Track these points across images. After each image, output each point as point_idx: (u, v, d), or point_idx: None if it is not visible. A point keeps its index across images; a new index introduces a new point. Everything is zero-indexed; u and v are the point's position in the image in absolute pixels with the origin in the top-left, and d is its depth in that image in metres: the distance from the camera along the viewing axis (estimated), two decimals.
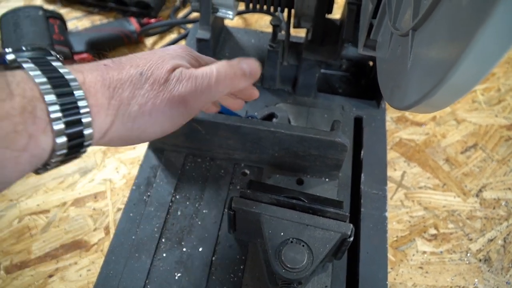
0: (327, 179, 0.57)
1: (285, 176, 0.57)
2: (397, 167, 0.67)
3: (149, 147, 0.59)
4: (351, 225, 0.43)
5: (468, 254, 0.59)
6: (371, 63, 0.71)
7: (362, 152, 0.60)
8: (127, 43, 0.79)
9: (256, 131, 0.51)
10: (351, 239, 0.43)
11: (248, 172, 0.57)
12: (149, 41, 0.83)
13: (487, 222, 0.62)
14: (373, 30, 0.49)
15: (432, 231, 0.61)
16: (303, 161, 0.54)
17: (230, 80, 0.36)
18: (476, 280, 0.57)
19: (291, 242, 0.42)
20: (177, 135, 0.55)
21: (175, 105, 0.33)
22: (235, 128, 0.51)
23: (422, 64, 0.31)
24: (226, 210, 0.54)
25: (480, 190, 0.65)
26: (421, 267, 0.58)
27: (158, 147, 0.58)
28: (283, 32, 0.66)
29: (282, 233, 0.42)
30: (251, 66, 0.38)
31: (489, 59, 0.24)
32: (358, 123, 0.64)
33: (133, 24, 0.78)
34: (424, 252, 0.59)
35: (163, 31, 0.82)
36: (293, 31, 0.64)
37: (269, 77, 0.64)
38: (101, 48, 0.78)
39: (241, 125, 0.50)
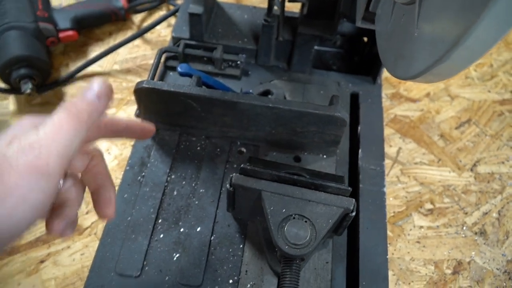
0: (324, 156, 0.56)
1: (282, 154, 0.56)
2: (393, 143, 0.67)
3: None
4: (353, 200, 0.42)
5: (464, 228, 0.59)
6: (365, 39, 0.70)
7: (359, 128, 0.59)
8: (114, 20, 0.77)
9: (253, 107, 0.49)
10: (354, 213, 0.42)
11: (244, 150, 0.56)
12: (137, 18, 0.80)
13: (482, 196, 0.62)
14: (372, 3, 0.48)
15: (428, 206, 0.61)
16: (301, 137, 0.53)
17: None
18: (472, 253, 0.57)
19: (294, 218, 0.41)
20: (170, 113, 0.54)
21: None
22: (232, 104, 0.50)
23: (432, 30, 0.30)
24: (223, 189, 0.53)
25: (475, 165, 0.65)
26: (418, 242, 0.58)
27: None
28: (276, 8, 0.64)
29: (284, 210, 0.42)
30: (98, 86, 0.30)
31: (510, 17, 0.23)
32: (354, 99, 0.64)
33: (120, 1, 0.75)
34: (421, 227, 0.59)
35: (152, 8, 0.80)
36: (287, 6, 0.62)
37: (263, 53, 0.63)
38: (87, 25, 0.75)
39: (238, 101, 0.49)
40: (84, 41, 0.75)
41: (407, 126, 0.69)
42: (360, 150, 0.57)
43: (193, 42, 0.63)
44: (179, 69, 0.53)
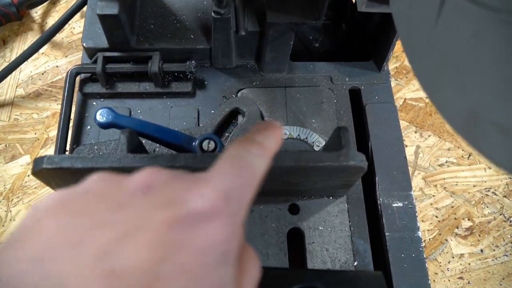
0: (331, 197, 0.40)
1: (273, 205, 0.40)
2: (408, 141, 0.51)
3: None
4: None
5: None
6: (353, 0, 0.52)
7: (369, 144, 0.43)
8: (5, 22, 0.54)
9: None
10: None
11: None
12: (36, 12, 0.57)
13: None
14: None
15: (466, 223, 0.47)
16: (298, 186, 0.37)
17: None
18: None
19: None
20: None
21: None
22: (190, 170, 0.32)
23: None
24: None
25: None
26: (461, 277, 0.45)
27: None
28: None
29: None
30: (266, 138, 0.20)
31: None
32: (355, 96, 0.46)
33: None
34: (461, 256, 0.46)
35: None
36: None
37: (221, 53, 0.44)
38: None
39: (197, 167, 0.31)
40: None
41: (422, 114, 0.53)
42: (376, 179, 0.41)
43: (115, 54, 0.43)
44: (98, 118, 0.34)
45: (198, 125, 0.43)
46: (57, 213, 0.16)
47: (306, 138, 0.42)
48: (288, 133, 0.42)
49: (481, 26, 0.20)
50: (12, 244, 0.15)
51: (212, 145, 0.35)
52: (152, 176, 0.17)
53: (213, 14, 0.39)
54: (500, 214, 0.48)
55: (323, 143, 0.42)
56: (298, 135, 0.42)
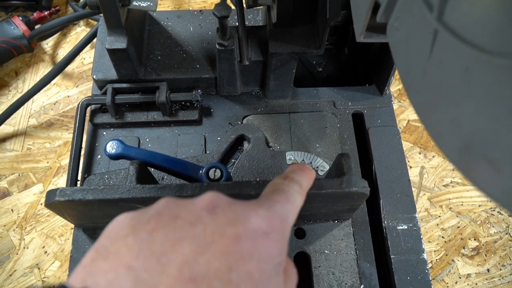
0: (336, 221, 0.41)
1: None
2: (412, 163, 0.52)
3: (78, 225, 0.40)
4: None
5: None
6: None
7: (373, 167, 0.44)
8: (17, 54, 0.57)
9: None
10: None
11: None
12: (47, 45, 0.60)
13: None
14: (381, 11, 0.31)
15: (472, 243, 0.48)
16: (303, 210, 0.38)
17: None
18: None
19: None
20: (109, 215, 0.37)
21: None
22: None
23: None
24: None
25: None
26: None
27: (89, 227, 0.40)
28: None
29: None
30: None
31: None
32: (358, 120, 0.47)
33: (18, 27, 0.55)
34: (468, 276, 0.46)
35: (63, 28, 0.59)
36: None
37: (226, 82, 0.45)
38: None
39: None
40: None
41: (426, 135, 0.53)
42: (381, 202, 0.42)
43: (124, 85, 0.44)
44: (108, 150, 0.36)
45: (205, 152, 0.44)
46: (135, 231, 0.18)
47: (311, 163, 0.43)
48: (292, 158, 0.43)
49: (470, 64, 0.21)
50: (98, 258, 0.17)
51: (218, 173, 0.36)
52: (214, 199, 0.19)
53: (217, 46, 0.40)
54: (506, 234, 0.48)
55: (327, 167, 0.43)
56: (303, 160, 0.43)
